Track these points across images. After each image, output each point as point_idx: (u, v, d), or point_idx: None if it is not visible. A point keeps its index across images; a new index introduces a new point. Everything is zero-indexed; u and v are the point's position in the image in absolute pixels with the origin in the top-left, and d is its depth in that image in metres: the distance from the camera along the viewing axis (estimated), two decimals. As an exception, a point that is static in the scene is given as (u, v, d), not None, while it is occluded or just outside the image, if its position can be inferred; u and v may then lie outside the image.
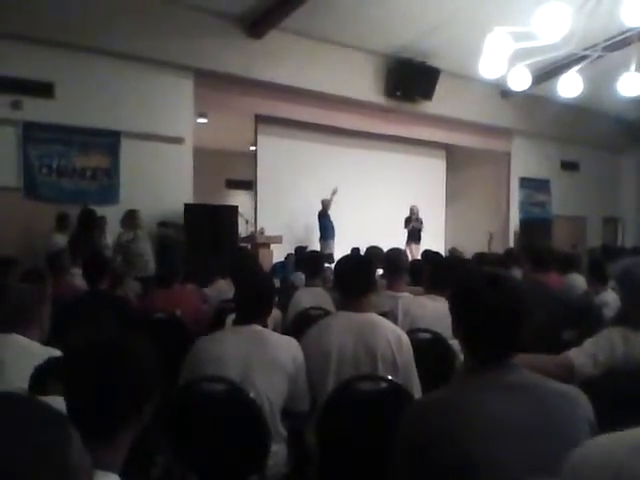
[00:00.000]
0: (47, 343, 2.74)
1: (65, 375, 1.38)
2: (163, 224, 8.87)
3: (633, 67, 7.49)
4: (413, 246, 11.66)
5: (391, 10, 9.40)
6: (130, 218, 8.04)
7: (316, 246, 10.81)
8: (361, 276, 3.01)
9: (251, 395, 2.48)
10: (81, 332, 1.47)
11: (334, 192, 11.56)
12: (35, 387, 2.13)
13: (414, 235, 12.21)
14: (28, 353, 2.58)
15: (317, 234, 11.76)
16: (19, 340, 2.64)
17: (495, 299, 1.61)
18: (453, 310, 1.73)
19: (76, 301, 4.26)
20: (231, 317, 3.21)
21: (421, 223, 12.34)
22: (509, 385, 1.56)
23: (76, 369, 1.39)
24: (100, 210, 8.14)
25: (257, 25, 9.38)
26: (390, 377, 2.62)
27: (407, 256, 4.85)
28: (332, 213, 11.75)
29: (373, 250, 6.15)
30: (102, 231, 8.03)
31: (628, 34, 7.85)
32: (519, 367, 1.62)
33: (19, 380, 2.44)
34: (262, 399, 2.54)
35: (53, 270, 5.21)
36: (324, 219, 11.60)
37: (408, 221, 12.32)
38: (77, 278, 5.18)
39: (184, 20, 8.83)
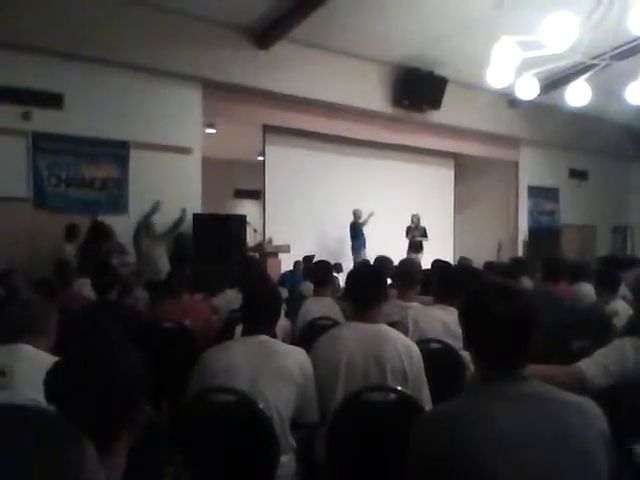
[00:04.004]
0: (55, 353, 2.75)
1: (49, 386, 1.38)
2: (178, 234, 8.93)
3: (641, 76, 7.48)
4: (414, 255, 11.59)
5: (398, 20, 9.43)
6: (146, 230, 8.30)
7: (323, 256, 10.76)
8: (373, 286, 3.00)
9: (260, 406, 2.47)
10: (77, 343, 1.49)
11: (370, 215, 11.65)
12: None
13: (415, 244, 12.18)
14: (37, 363, 2.58)
15: (327, 243, 11.81)
16: (28, 350, 2.65)
17: (509, 311, 1.60)
18: (465, 322, 1.72)
19: (85, 311, 4.27)
20: (240, 327, 3.20)
21: (423, 232, 12.29)
22: (522, 396, 1.55)
23: (60, 379, 1.39)
24: (109, 220, 8.20)
25: (265, 36, 9.43)
26: (400, 388, 2.60)
27: (420, 267, 4.82)
28: (342, 222, 11.85)
29: (382, 260, 6.15)
30: (111, 242, 8.12)
31: (636, 43, 7.85)
32: (532, 378, 1.61)
33: (29, 390, 2.45)
34: (271, 410, 2.53)
35: (60, 279, 5.25)
36: (355, 230, 11.67)
37: (409, 230, 12.31)
38: (86, 288, 5.19)
39: (192, 31, 8.89)
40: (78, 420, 1.29)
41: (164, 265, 8.22)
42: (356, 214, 11.72)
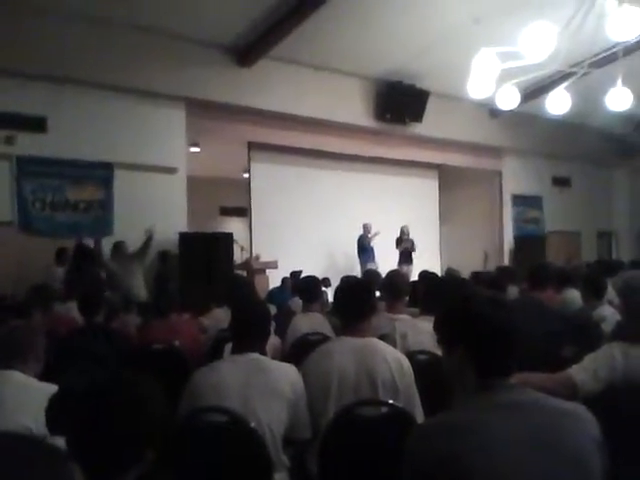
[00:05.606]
0: (43, 377, 2.73)
1: (65, 420, 1.38)
2: (164, 254, 8.86)
3: (619, 82, 7.57)
4: (405, 267, 11.63)
5: (379, 34, 9.51)
6: (115, 250, 8.09)
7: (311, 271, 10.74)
8: (362, 300, 3.00)
9: (252, 425, 2.46)
10: (80, 372, 1.47)
11: (376, 234, 11.80)
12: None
13: (405, 256, 12.22)
14: (26, 389, 2.57)
15: (315, 258, 11.81)
16: (17, 376, 2.64)
17: (507, 319, 1.62)
18: (460, 332, 1.67)
19: (72, 334, 4.23)
20: (229, 346, 3.19)
21: (412, 243, 12.34)
22: (516, 405, 1.54)
23: (76, 414, 1.36)
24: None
25: (247, 54, 9.48)
26: (391, 401, 2.60)
27: (408, 278, 4.83)
28: (329, 234, 11.97)
29: (369, 273, 6.16)
30: (98, 264, 8.07)
31: (613, 50, 7.94)
32: (523, 386, 1.61)
33: (18, 415, 2.43)
34: (263, 428, 2.52)
35: (40, 303, 5.18)
36: (364, 244, 11.76)
37: (399, 242, 12.34)
38: (73, 311, 5.15)
39: (174, 51, 8.91)
40: (89, 455, 1.26)
41: (139, 286, 8.11)
42: (366, 228, 11.82)
